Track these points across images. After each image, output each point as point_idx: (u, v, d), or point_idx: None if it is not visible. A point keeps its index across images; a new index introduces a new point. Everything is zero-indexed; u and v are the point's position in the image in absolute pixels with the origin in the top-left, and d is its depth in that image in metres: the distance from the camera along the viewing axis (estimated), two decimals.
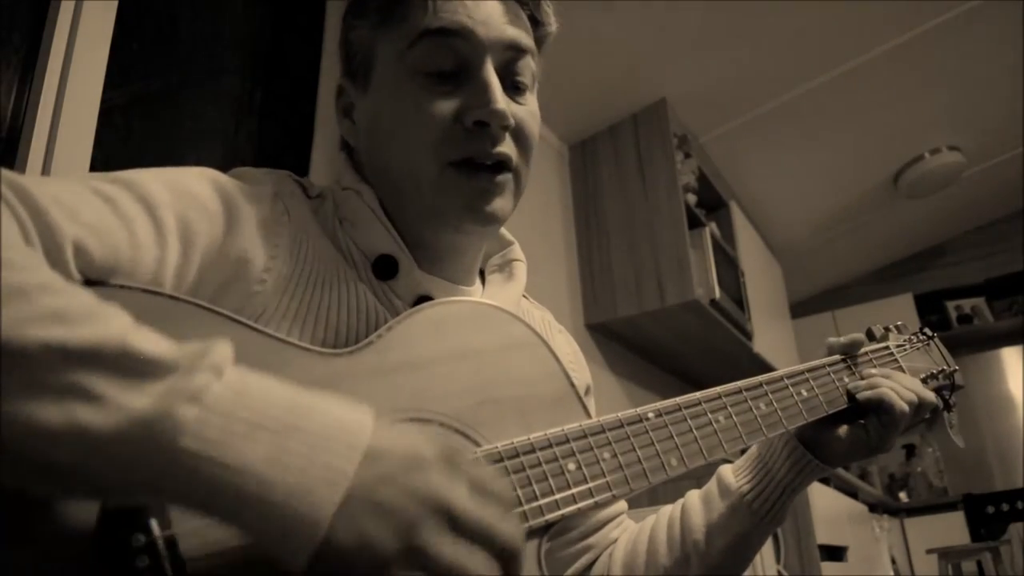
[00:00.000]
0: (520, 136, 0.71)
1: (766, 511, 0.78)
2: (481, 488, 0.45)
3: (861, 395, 0.80)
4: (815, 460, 0.79)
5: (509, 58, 0.70)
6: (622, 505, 0.88)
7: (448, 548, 0.42)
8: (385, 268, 0.69)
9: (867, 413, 0.81)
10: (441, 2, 0.68)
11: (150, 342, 0.41)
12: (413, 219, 0.71)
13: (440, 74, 0.68)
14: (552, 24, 0.76)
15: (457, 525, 0.43)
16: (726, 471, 0.83)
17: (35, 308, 0.39)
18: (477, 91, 0.67)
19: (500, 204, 0.70)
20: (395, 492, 0.41)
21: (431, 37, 0.68)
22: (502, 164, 0.69)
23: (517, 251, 0.84)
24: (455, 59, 0.68)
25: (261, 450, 0.40)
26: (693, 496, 0.84)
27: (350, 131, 0.75)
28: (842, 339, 0.86)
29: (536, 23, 0.75)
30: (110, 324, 0.41)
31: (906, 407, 0.79)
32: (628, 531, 0.87)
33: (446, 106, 0.67)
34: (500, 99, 0.67)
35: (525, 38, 0.72)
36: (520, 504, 0.56)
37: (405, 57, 0.68)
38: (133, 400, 0.38)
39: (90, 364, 0.38)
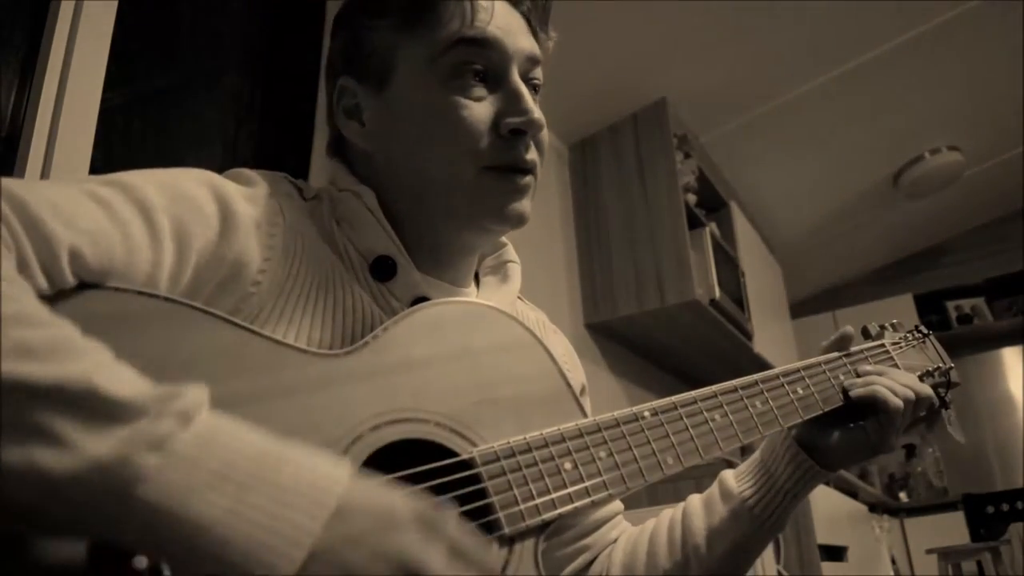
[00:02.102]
0: (539, 143, 0.74)
1: (767, 517, 0.78)
2: (460, 552, 0.43)
3: (854, 393, 0.80)
4: (817, 466, 0.79)
5: (527, 68, 0.73)
6: (618, 505, 0.88)
7: None
8: (383, 269, 0.70)
9: (865, 413, 0.81)
10: (476, 12, 0.70)
11: (118, 383, 0.40)
12: (434, 219, 0.72)
13: (472, 81, 0.70)
14: (551, 39, 0.79)
15: None
16: (728, 476, 0.83)
17: (4, 341, 0.38)
18: (511, 99, 0.70)
19: (527, 205, 0.73)
20: (363, 555, 0.40)
21: (465, 45, 0.69)
22: (527, 169, 0.72)
23: (511, 252, 0.85)
24: (485, 67, 0.71)
25: (222, 503, 0.38)
26: (694, 500, 0.84)
27: (357, 133, 0.75)
28: (832, 336, 0.86)
29: (536, 36, 0.77)
30: (79, 362, 0.40)
31: (900, 403, 0.79)
32: (627, 532, 0.87)
33: (481, 113, 0.70)
34: (535, 108, 0.70)
35: (538, 50, 0.75)
36: (516, 504, 0.57)
37: (437, 62, 0.70)
38: (94, 445, 0.37)
39: (53, 403, 0.38)
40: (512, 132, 0.70)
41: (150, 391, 0.40)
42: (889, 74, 3.03)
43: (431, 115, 0.70)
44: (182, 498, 0.37)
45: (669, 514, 0.85)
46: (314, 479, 0.41)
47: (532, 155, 0.72)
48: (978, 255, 4.68)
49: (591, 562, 0.84)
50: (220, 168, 0.67)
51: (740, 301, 3.02)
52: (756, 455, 0.83)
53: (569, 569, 0.80)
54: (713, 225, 3.01)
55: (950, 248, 4.80)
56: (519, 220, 0.72)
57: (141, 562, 0.42)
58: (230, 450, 0.40)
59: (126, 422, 0.39)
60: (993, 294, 4.58)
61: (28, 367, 0.38)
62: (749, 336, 3.07)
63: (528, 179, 0.72)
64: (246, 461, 0.40)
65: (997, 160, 3.98)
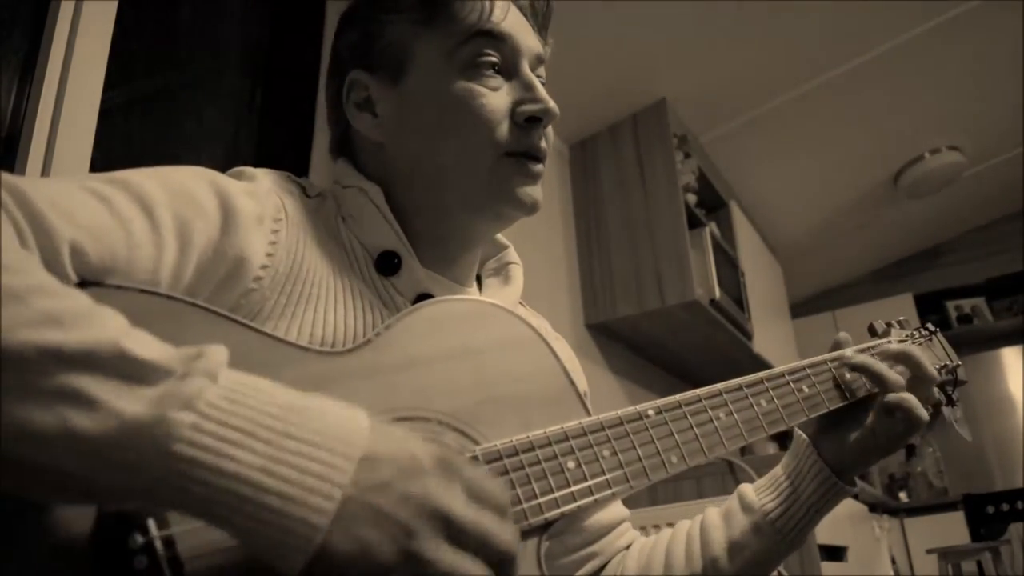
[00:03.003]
0: (548, 134, 0.77)
1: (789, 531, 0.79)
2: (477, 493, 0.45)
3: (891, 398, 0.79)
4: (840, 483, 0.79)
5: (534, 66, 0.77)
6: (624, 512, 0.88)
7: (444, 554, 0.42)
8: (388, 264, 0.70)
9: (868, 410, 0.81)
10: (492, 7, 0.73)
11: (145, 346, 0.41)
12: (447, 209, 0.74)
13: (488, 72, 0.73)
14: (550, 45, 0.82)
15: (453, 532, 0.43)
16: (747, 490, 0.83)
17: (29, 311, 0.38)
18: (526, 88, 0.73)
19: (540, 193, 0.75)
20: (391, 499, 0.42)
21: (482, 38, 0.72)
22: (540, 156, 0.75)
23: (513, 254, 0.85)
24: (500, 59, 0.74)
25: (256, 457, 0.39)
26: (712, 513, 0.84)
27: (369, 125, 0.75)
28: (830, 345, 0.87)
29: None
30: (105, 327, 0.40)
31: (927, 417, 0.79)
32: (640, 542, 0.87)
33: (499, 101, 0.72)
34: (549, 98, 0.73)
35: (543, 51, 0.78)
36: (519, 503, 0.56)
37: (455, 54, 0.72)
38: (127, 405, 0.38)
39: (84, 368, 0.38)
40: (528, 120, 0.73)
41: (175, 352, 0.42)
42: (889, 74, 3.03)
43: (449, 104, 0.72)
44: (217, 454, 0.39)
45: (686, 526, 0.85)
46: (337, 431, 0.42)
47: (544, 144, 0.75)
48: (978, 255, 4.69)
49: (601, 568, 0.84)
50: (220, 168, 0.67)
51: (740, 301, 3.02)
52: (777, 470, 0.83)
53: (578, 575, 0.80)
54: (713, 225, 3.01)
55: (950, 248, 4.80)
56: (533, 206, 0.74)
57: (141, 562, 0.42)
58: (256, 405, 0.41)
59: (157, 382, 0.40)
60: (993, 294, 4.58)
61: (57, 335, 0.38)
62: (749, 336, 3.06)
63: (540, 167, 0.75)
64: (273, 415, 0.41)
65: (997, 160, 3.98)
